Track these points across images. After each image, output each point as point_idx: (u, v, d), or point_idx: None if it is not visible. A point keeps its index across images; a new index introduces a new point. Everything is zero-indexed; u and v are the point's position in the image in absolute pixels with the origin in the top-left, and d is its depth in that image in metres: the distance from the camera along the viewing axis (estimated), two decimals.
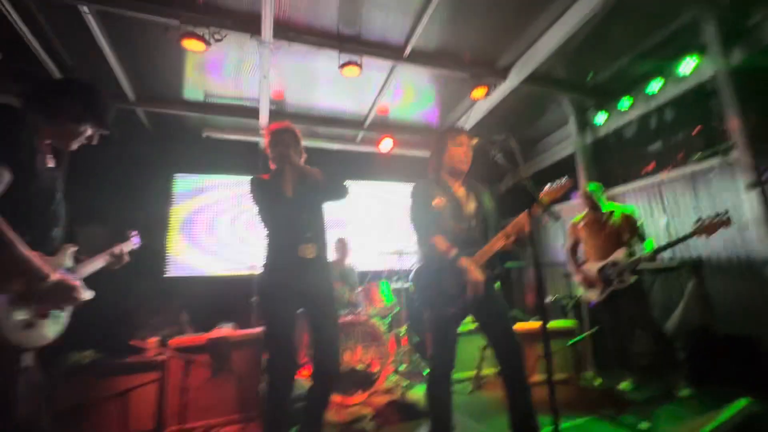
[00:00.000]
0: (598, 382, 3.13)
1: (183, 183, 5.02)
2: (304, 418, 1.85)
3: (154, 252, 4.63)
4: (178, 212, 4.91)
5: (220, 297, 4.43)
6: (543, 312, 1.47)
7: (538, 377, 3.06)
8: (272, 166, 2.06)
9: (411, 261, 3.96)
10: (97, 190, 4.27)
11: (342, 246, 4.02)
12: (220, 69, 3.76)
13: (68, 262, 1.36)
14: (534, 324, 3.48)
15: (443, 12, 3.08)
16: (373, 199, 5.85)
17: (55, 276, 1.18)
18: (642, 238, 2.97)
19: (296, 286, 1.86)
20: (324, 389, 1.89)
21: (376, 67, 3.66)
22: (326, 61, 3.52)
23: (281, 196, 1.95)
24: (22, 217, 1.16)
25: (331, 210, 2.06)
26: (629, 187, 4.23)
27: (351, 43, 3.38)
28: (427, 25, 3.16)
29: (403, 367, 3.47)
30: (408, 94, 4.40)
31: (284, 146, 1.98)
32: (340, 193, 2.02)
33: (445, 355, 1.83)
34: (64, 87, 1.38)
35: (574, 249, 3.26)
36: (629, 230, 2.99)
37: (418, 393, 2.88)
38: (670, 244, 2.76)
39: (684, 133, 3.78)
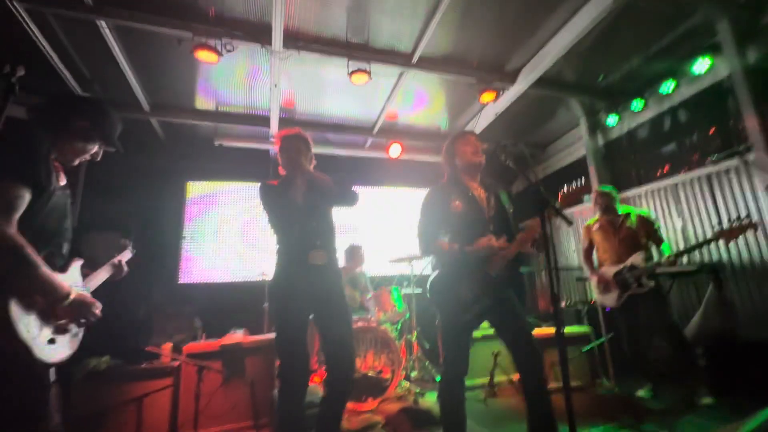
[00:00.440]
0: (615, 389, 3.06)
1: (196, 190, 5.11)
2: (319, 426, 1.84)
3: (167, 259, 4.71)
4: (191, 219, 5.00)
5: (231, 303, 4.48)
6: (558, 317, 1.44)
7: (552, 384, 3.00)
8: (282, 172, 2.06)
9: (422, 267, 3.95)
10: (112, 199, 4.38)
11: (356, 253, 4.04)
12: (232, 78, 3.83)
13: (78, 276, 1.38)
14: (547, 330, 3.42)
15: (451, 17, 3.09)
16: (382, 205, 5.86)
17: (74, 293, 1.22)
18: (660, 241, 2.91)
19: (307, 292, 1.86)
20: (339, 395, 1.87)
21: (384, 74, 3.69)
22: (335, 68, 3.57)
23: (291, 202, 1.95)
24: (39, 235, 1.18)
25: (340, 216, 2.07)
26: (643, 189, 4.15)
27: (360, 50, 3.42)
28: (434, 30, 3.18)
29: (414, 374, 3.44)
30: (416, 99, 4.42)
31: (296, 152, 1.98)
32: (350, 199, 2.02)
33: (458, 361, 1.81)
34: (73, 103, 1.38)
35: (589, 252, 3.20)
36: (646, 233, 2.92)
37: (430, 400, 2.85)
38: (693, 248, 2.69)
39: (699, 134, 3.71)
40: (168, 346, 2.90)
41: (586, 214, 4.79)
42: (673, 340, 2.78)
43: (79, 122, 1.33)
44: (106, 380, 2.48)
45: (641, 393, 2.86)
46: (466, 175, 1.97)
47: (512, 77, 3.89)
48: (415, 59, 3.52)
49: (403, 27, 3.22)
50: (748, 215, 2.41)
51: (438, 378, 1.90)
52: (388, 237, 5.65)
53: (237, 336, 3.05)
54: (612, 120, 4.36)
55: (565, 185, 1.82)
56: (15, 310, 1.08)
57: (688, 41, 3.41)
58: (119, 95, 3.85)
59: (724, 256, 3.31)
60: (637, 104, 4.04)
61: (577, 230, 4.91)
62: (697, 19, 3.23)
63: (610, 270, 2.96)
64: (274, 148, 4.57)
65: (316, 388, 2.50)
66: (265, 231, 5.01)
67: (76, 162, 1.39)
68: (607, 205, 3.04)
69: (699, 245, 2.61)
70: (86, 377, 2.41)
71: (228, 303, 4.51)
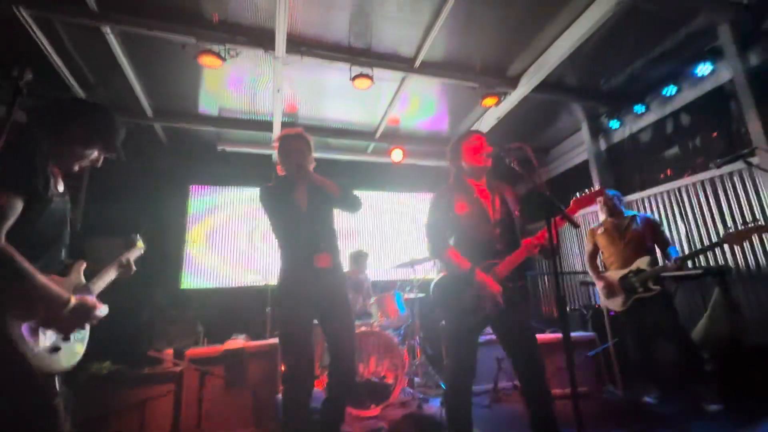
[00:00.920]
0: (621, 394, 3.02)
1: (199, 195, 5.12)
2: (321, 426, 1.83)
3: (170, 263, 4.71)
4: (193, 224, 5.00)
5: (233, 308, 4.47)
6: (564, 322, 1.43)
7: (556, 390, 2.97)
8: (280, 172, 2.04)
9: (424, 271, 3.93)
10: (115, 203, 4.39)
11: (361, 259, 4.03)
12: (235, 84, 3.85)
13: (81, 278, 1.36)
14: (551, 335, 3.39)
15: (453, 22, 3.10)
16: (384, 209, 5.85)
17: (73, 299, 1.20)
18: (666, 244, 2.89)
19: (313, 295, 1.85)
20: (340, 394, 1.86)
21: (386, 79, 3.70)
22: (338, 73, 3.57)
23: (294, 205, 1.94)
24: (37, 242, 1.17)
25: (341, 220, 2.06)
26: (646, 193, 4.14)
27: (362, 55, 3.43)
28: (437, 35, 3.19)
29: (417, 380, 3.41)
30: (419, 104, 4.43)
31: (299, 154, 1.96)
32: (354, 205, 2.02)
33: (465, 367, 1.78)
34: (74, 108, 1.34)
35: (593, 256, 3.18)
36: (652, 237, 2.91)
37: (434, 406, 2.82)
38: (699, 252, 2.66)
39: (702, 138, 3.70)
40: (170, 352, 2.89)
41: (589, 217, 4.77)
42: (680, 344, 2.74)
43: (79, 127, 1.30)
44: (108, 385, 2.47)
45: (648, 399, 2.83)
46: (471, 176, 1.94)
47: (514, 82, 3.89)
48: (417, 64, 3.53)
49: (406, 32, 3.24)
50: (755, 218, 2.38)
51: (442, 384, 1.88)
52: (391, 241, 5.64)
53: (239, 341, 3.03)
54: (614, 124, 4.35)
55: (577, 192, 1.81)
56: (11, 322, 1.06)
57: (689, 45, 3.42)
58: (123, 100, 3.87)
59: (730, 259, 3.28)
60: (639, 108, 4.03)
61: (581, 234, 4.88)
62: (699, 23, 3.23)
63: (615, 274, 2.94)
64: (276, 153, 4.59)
65: (319, 393, 2.48)
66: (267, 236, 5.00)
67: (76, 168, 1.34)
68: (613, 207, 3.03)
69: (707, 248, 2.58)
70: (87, 382, 2.40)
71: (230, 308, 4.50)
